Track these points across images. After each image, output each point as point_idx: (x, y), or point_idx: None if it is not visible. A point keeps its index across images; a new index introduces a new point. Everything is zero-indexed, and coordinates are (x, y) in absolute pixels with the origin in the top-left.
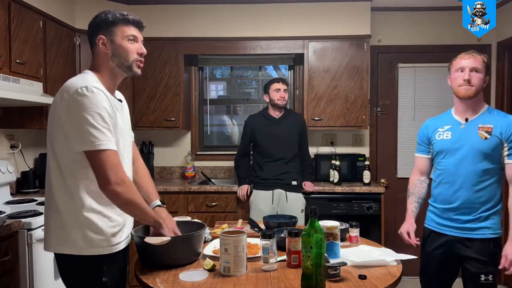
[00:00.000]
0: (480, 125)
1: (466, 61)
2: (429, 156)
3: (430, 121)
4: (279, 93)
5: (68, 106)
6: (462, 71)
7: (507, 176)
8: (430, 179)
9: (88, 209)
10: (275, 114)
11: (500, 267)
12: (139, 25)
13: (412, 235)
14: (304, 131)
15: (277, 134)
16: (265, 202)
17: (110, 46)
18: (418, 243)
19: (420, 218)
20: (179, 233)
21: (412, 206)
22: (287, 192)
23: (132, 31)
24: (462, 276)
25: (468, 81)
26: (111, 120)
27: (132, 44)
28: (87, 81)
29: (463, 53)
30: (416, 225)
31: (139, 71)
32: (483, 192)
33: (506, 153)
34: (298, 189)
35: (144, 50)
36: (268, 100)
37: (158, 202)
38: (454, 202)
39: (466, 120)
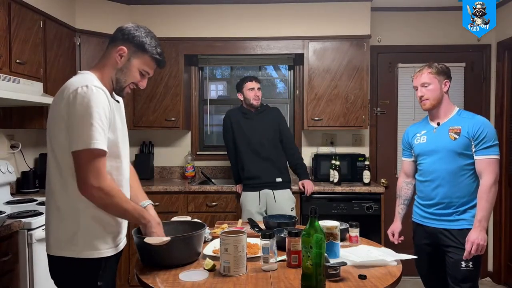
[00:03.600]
0: (450, 127)
1: (416, 80)
2: (412, 159)
3: (410, 127)
4: (253, 92)
5: (68, 106)
6: (417, 90)
7: (476, 170)
8: None
9: (89, 211)
10: (251, 109)
11: (465, 254)
12: (161, 66)
13: (396, 235)
14: (282, 121)
15: (254, 128)
16: (252, 203)
17: (124, 61)
18: (400, 241)
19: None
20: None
21: (399, 208)
22: (274, 191)
23: (151, 70)
24: (446, 266)
25: (421, 97)
26: (107, 121)
27: (140, 76)
28: (87, 80)
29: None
30: (401, 226)
31: (125, 95)
32: (459, 188)
33: (474, 149)
34: (285, 185)
35: (144, 85)
36: (242, 99)
37: (148, 202)
38: (434, 198)
39: (438, 124)
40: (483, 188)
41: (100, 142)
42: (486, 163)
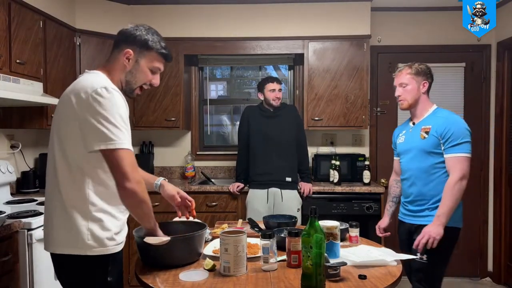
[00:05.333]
0: (422, 127)
1: (396, 79)
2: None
3: (397, 128)
4: (274, 93)
5: (87, 106)
6: (395, 89)
7: (446, 168)
8: None
9: (97, 208)
10: (270, 108)
11: (415, 242)
12: (168, 59)
13: (381, 230)
14: (299, 123)
15: (272, 126)
16: (260, 201)
17: (132, 63)
18: (384, 234)
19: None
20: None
21: (387, 205)
22: (282, 191)
23: (160, 65)
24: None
25: (399, 97)
26: (128, 121)
27: (152, 75)
28: (106, 81)
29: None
30: (390, 221)
31: (135, 96)
32: (432, 186)
33: (443, 148)
34: (293, 186)
35: (158, 82)
36: (262, 99)
37: (161, 178)
38: (410, 196)
39: (414, 124)
40: (447, 184)
41: (127, 142)
42: (454, 161)
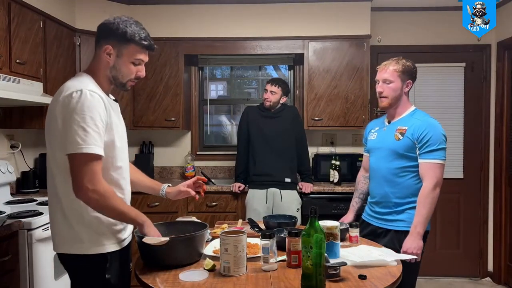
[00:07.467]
0: (398, 127)
1: (379, 73)
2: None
3: (370, 123)
4: (265, 94)
5: (62, 109)
6: (378, 83)
7: (420, 174)
8: None
9: (91, 209)
10: (268, 108)
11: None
12: (151, 50)
13: None
14: (300, 124)
15: (270, 127)
16: (259, 201)
17: (113, 59)
18: None
19: None
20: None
21: (353, 201)
22: (281, 191)
23: (141, 55)
24: None
25: (381, 93)
26: (103, 124)
27: (135, 67)
28: (83, 84)
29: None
30: (352, 218)
31: (129, 89)
32: (399, 188)
33: (418, 152)
34: (293, 186)
35: (144, 74)
36: None
37: (166, 185)
38: (376, 196)
39: (389, 122)
40: (421, 193)
41: (94, 146)
42: (428, 167)
